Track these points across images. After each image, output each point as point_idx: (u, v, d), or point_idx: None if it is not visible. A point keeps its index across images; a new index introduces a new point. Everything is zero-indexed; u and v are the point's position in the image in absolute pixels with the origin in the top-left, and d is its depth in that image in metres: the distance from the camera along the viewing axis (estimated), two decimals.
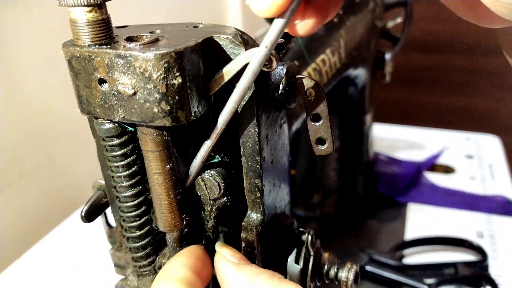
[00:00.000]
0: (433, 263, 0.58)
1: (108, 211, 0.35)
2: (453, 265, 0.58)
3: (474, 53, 1.40)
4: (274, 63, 0.24)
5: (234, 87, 0.25)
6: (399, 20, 0.63)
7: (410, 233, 0.66)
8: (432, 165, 0.84)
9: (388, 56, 0.65)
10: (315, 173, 0.71)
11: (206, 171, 0.30)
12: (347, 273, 0.32)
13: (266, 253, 0.32)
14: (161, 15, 0.99)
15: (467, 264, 0.58)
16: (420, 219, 0.69)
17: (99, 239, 0.66)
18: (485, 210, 0.70)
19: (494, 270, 0.58)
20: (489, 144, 0.90)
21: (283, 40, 0.28)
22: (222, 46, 0.26)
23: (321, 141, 0.29)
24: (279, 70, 0.27)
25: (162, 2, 0.98)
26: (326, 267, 0.33)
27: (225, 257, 0.30)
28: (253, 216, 0.31)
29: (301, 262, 0.32)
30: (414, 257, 0.62)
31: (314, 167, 0.71)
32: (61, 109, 0.78)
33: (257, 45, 0.27)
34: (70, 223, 0.71)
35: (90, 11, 0.24)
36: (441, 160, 0.85)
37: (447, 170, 0.83)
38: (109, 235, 0.36)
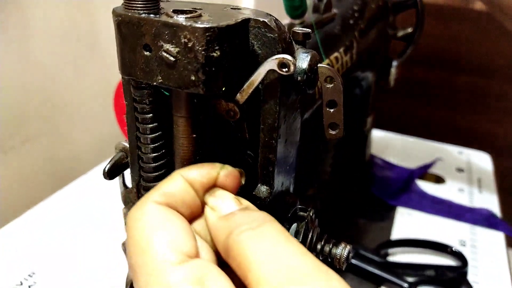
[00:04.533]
0: (415, 263, 0.61)
1: (126, 173, 0.38)
2: (434, 267, 0.61)
3: (478, 74, 1.42)
4: (292, 67, 0.27)
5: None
6: (409, 30, 0.66)
7: (396, 234, 0.69)
8: (424, 173, 0.87)
9: (395, 63, 0.68)
10: (312, 168, 0.74)
11: None
12: (341, 251, 0.35)
13: None
14: None
15: (448, 268, 0.61)
16: (407, 222, 0.72)
17: (98, 208, 0.69)
18: (469, 221, 0.73)
19: (472, 278, 0.60)
20: (480, 160, 0.93)
21: (309, 30, 0.31)
22: (257, 28, 0.29)
23: (333, 126, 0.32)
24: (304, 57, 0.30)
25: None
26: (322, 243, 0.36)
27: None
28: (263, 188, 0.33)
29: (300, 237, 0.35)
30: (397, 256, 0.65)
31: (311, 161, 0.74)
32: (69, 80, 0.80)
33: (288, 35, 0.30)
34: (71, 189, 0.73)
35: None
36: (433, 170, 0.88)
37: (438, 180, 0.86)
38: (124, 195, 0.39)
